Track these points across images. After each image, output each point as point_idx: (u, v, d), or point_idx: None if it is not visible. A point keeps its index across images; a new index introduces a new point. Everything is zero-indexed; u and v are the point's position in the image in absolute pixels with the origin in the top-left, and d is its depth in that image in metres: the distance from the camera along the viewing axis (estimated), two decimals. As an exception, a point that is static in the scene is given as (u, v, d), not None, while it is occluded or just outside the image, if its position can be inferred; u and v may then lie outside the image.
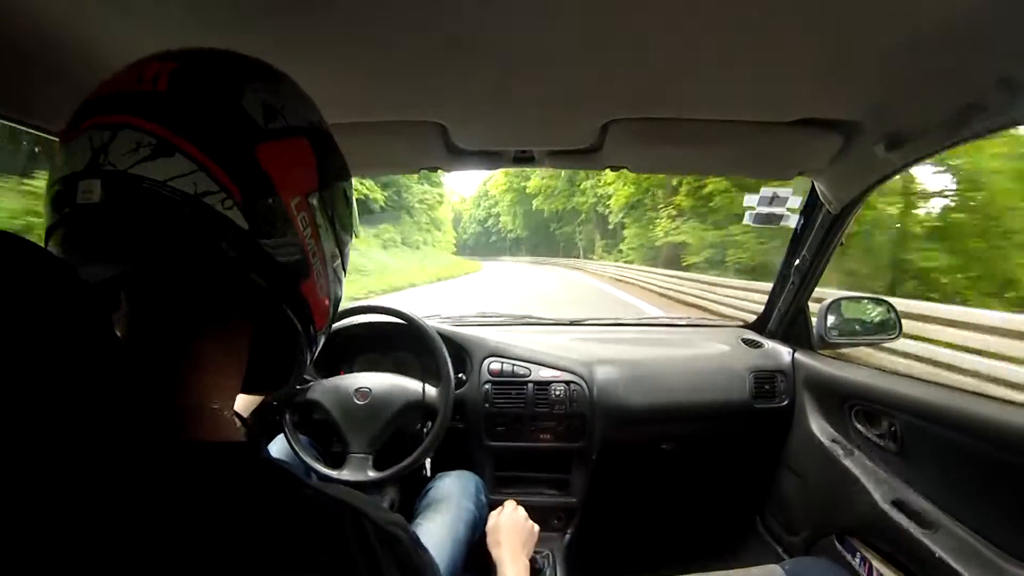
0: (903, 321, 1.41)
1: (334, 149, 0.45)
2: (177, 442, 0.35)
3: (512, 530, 1.06)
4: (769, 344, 1.61)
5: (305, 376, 1.27)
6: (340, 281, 0.48)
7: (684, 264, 15.41)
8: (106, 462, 0.30)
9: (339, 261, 0.47)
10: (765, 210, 1.43)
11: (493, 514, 1.12)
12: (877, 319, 1.45)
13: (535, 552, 1.24)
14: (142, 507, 0.30)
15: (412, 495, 1.20)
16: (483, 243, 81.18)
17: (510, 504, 1.16)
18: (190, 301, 0.39)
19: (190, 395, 0.38)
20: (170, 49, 0.40)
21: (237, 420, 0.42)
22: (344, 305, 1.32)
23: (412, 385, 1.25)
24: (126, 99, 0.36)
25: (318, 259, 0.43)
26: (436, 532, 1.03)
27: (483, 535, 1.09)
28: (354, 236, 0.50)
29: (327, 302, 0.46)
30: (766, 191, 1.38)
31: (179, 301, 0.39)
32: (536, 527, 1.14)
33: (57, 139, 0.39)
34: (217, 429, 0.39)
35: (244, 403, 1.04)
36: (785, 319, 1.57)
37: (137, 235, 0.36)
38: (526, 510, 1.16)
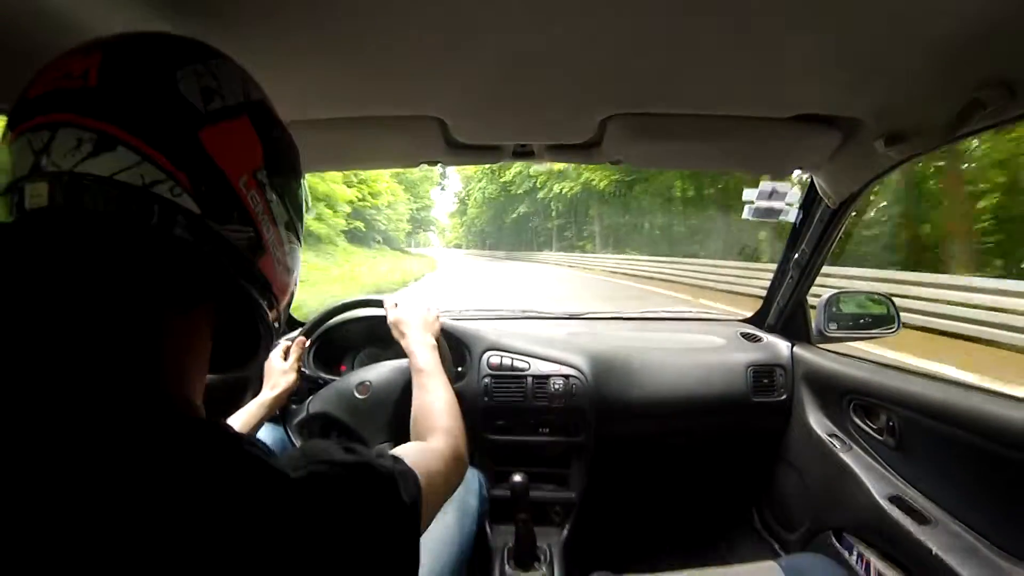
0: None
1: (276, 123, 0.45)
2: (146, 423, 0.34)
3: (413, 319, 1.10)
4: (768, 338, 1.61)
5: (306, 373, 1.27)
6: (297, 253, 0.49)
7: None
8: (78, 445, 0.30)
9: (294, 234, 0.47)
10: (764, 204, 1.42)
11: (391, 310, 1.14)
12: (876, 313, 1.45)
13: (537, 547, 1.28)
14: (103, 484, 0.30)
15: None
16: (498, 228, 44.60)
17: (403, 297, 1.19)
18: (151, 290, 0.38)
19: (157, 382, 0.38)
20: (96, 38, 0.39)
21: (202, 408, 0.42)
22: (338, 301, 1.33)
23: (407, 362, 1.26)
24: (59, 97, 0.35)
25: (272, 234, 0.43)
26: (442, 530, 1.03)
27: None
28: (307, 206, 0.51)
29: (286, 275, 0.47)
30: (765, 185, 1.38)
31: (140, 291, 0.38)
32: (433, 308, 1.18)
33: None
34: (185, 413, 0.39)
35: (247, 420, 1.04)
36: (784, 313, 1.57)
37: (91, 232, 0.36)
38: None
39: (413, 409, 0.88)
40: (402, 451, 0.60)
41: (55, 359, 0.33)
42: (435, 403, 0.87)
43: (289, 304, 0.49)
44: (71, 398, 0.32)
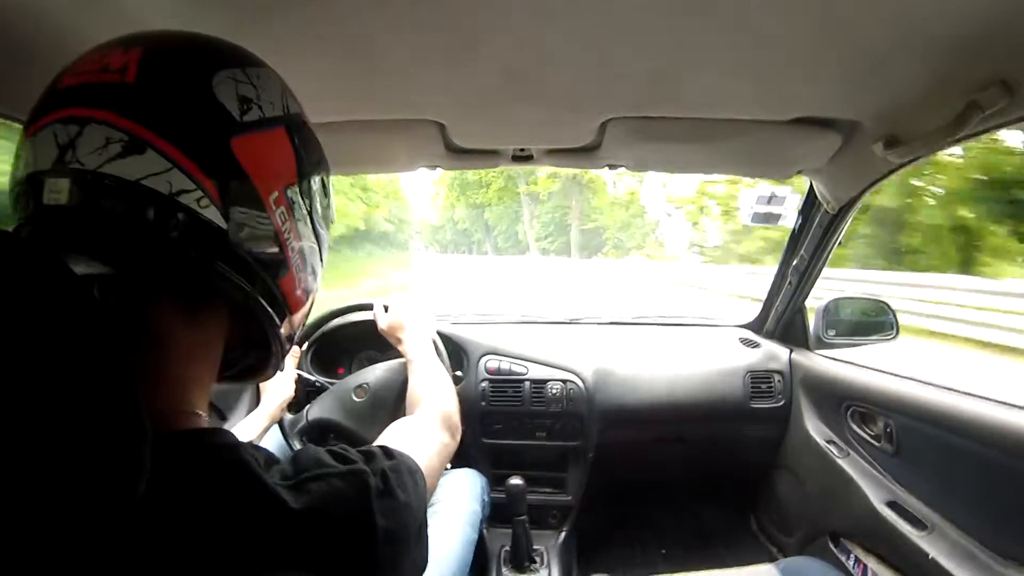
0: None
1: (311, 138, 0.44)
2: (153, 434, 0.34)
3: (405, 323, 1.07)
4: (766, 344, 1.61)
5: (305, 377, 1.26)
6: (317, 273, 0.47)
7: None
8: (84, 458, 0.29)
9: (317, 253, 0.46)
10: (763, 209, 1.42)
11: (381, 316, 1.11)
12: (874, 320, 1.45)
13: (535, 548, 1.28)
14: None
15: None
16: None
17: (393, 300, 1.15)
18: (164, 300, 0.37)
19: (162, 390, 0.37)
20: (136, 33, 0.37)
21: (207, 415, 0.41)
22: (337, 305, 1.33)
23: (404, 361, 1.25)
24: (93, 91, 0.34)
25: (296, 253, 0.42)
26: (443, 535, 1.02)
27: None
28: (331, 224, 0.49)
29: (305, 295, 0.45)
30: (764, 190, 1.38)
31: (152, 300, 0.37)
32: (426, 306, 1.15)
33: None
34: (188, 424, 0.38)
35: (251, 429, 1.03)
36: (782, 319, 1.57)
37: (109, 236, 0.34)
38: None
39: (407, 394, 0.88)
40: (389, 434, 0.59)
41: (43, 367, 0.30)
42: (423, 380, 0.87)
43: (303, 321, 0.48)
44: (50, 405, 0.29)
